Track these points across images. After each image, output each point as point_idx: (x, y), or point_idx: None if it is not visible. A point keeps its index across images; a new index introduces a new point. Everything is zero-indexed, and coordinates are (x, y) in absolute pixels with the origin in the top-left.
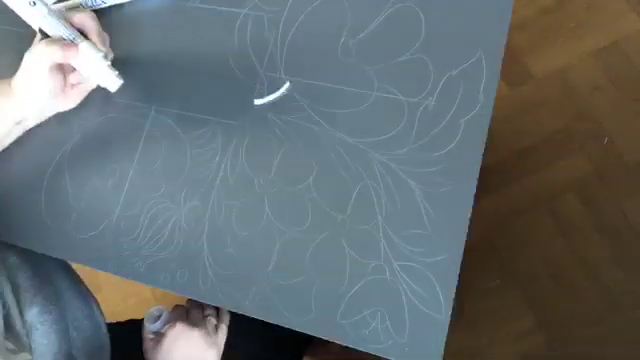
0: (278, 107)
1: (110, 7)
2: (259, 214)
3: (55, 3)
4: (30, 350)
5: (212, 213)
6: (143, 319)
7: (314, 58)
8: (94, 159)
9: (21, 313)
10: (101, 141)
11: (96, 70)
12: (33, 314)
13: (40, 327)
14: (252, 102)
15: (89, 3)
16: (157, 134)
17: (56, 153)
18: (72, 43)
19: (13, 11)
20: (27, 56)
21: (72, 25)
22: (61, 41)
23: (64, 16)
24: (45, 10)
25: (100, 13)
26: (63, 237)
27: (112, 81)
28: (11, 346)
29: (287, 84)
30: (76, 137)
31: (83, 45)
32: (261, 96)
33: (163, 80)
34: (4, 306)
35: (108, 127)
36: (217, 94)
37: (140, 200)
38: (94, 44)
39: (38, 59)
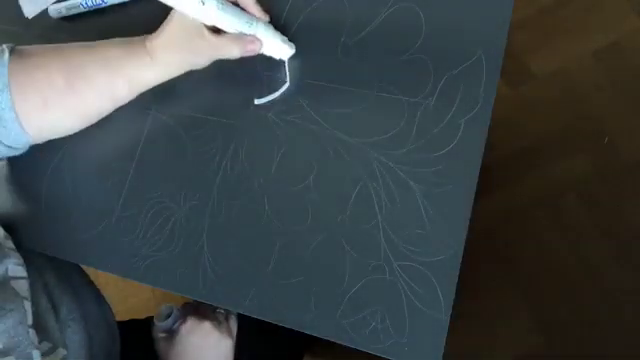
0: (278, 107)
1: (110, 7)
2: (259, 214)
3: (54, 3)
4: (65, 345)
5: (212, 213)
6: (144, 318)
7: (314, 58)
8: (94, 159)
9: (54, 309)
10: (101, 141)
11: (269, 44)
12: (63, 312)
13: (71, 324)
14: (252, 102)
15: (89, 3)
16: (157, 134)
17: (56, 153)
18: (255, 38)
19: (7, 10)
20: (200, 42)
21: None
22: (244, 39)
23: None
24: (215, 5)
25: (100, 13)
26: (63, 237)
27: (286, 50)
28: (48, 346)
29: (287, 84)
30: (76, 137)
31: (260, 27)
32: (261, 96)
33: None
34: (33, 302)
35: (108, 127)
36: (217, 94)
37: (140, 200)
38: (265, 21)
39: (213, 53)
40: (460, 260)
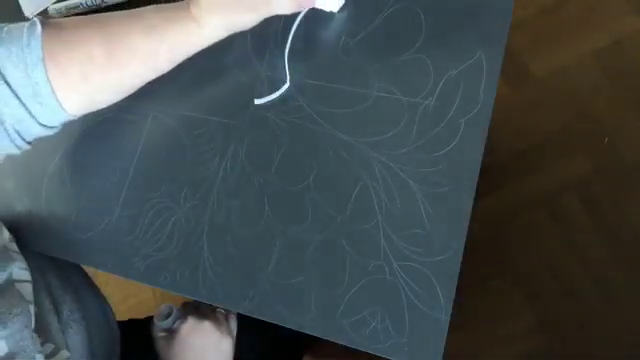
0: (278, 107)
1: (110, 7)
2: (259, 214)
3: (55, 3)
4: (67, 346)
5: (212, 213)
6: (144, 318)
7: (314, 58)
8: (94, 159)
9: (56, 310)
10: (101, 141)
11: None
12: (65, 313)
13: (73, 325)
14: (252, 102)
15: (89, 3)
16: (157, 134)
17: (56, 153)
18: None
19: (7, 9)
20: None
21: None
22: None
23: None
24: None
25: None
26: (63, 237)
27: (337, 1)
28: (50, 348)
29: (287, 84)
30: (76, 137)
31: None
32: (261, 96)
33: (163, 80)
34: (36, 303)
35: (108, 127)
36: (217, 94)
37: (140, 200)
38: None
39: (267, 9)
40: (460, 260)
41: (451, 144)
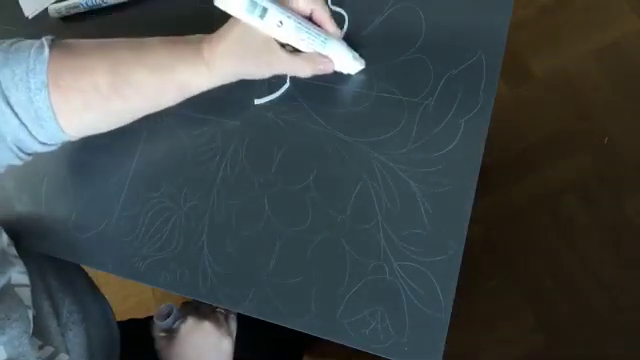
0: (278, 107)
1: (110, 7)
2: (259, 214)
3: (54, 3)
4: (66, 349)
5: (212, 213)
6: (144, 318)
7: None
8: (94, 159)
9: (56, 313)
10: (101, 141)
11: (341, 61)
12: (64, 315)
13: (73, 327)
14: (252, 102)
15: (89, 3)
16: (157, 134)
17: (56, 153)
18: (328, 59)
19: (7, 9)
20: (269, 58)
21: (298, 12)
22: (318, 59)
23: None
24: (294, 26)
25: (100, 13)
26: (63, 237)
27: (356, 66)
28: (50, 351)
29: (287, 84)
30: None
31: (334, 45)
32: (261, 96)
33: None
34: (35, 306)
35: None
36: (217, 94)
37: (140, 200)
38: (338, 37)
39: (283, 70)
40: (460, 260)
41: (451, 144)
